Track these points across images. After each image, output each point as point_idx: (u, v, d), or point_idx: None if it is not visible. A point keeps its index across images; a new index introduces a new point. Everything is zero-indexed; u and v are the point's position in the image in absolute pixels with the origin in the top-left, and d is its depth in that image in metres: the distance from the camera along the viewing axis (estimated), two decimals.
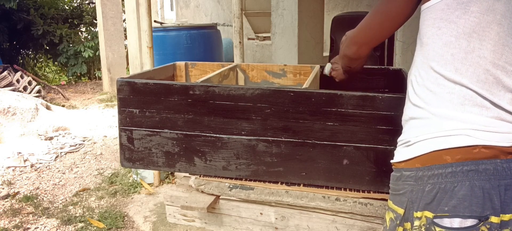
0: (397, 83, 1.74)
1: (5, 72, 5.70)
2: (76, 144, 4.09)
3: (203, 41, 4.00)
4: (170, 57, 3.35)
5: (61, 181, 3.34)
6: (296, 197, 1.42)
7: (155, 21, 4.25)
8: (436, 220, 0.89)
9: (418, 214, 0.91)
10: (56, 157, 3.80)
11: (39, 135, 4.25)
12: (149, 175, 3.16)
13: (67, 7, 8.69)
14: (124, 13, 6.66)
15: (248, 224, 1.52)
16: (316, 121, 1.34)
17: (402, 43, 2.86)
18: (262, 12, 5.64)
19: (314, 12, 3.58)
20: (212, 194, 1.53)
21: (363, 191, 1.40)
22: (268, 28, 5.01)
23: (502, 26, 0.88)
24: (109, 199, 3.00)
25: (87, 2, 9.11)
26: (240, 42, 2.95)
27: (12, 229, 2.60)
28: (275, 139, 1.39)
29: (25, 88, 5.83)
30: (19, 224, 2.66)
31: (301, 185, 1.45)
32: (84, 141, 4.22)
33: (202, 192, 1.54)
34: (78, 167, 3.62)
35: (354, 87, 1.47)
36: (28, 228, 2.62)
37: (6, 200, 3.00)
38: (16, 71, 6.00)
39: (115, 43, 6.72)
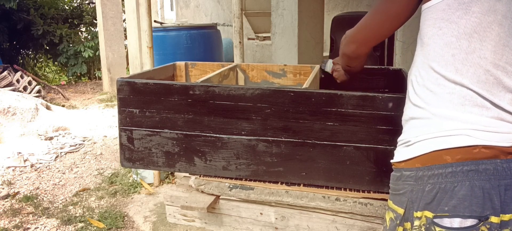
0: (397, 83, 1.74)
1: (5, 72, 5.70)
2: (76, 144, 4.09)
3: (203, 41, 4.00)
4: (170, 57, 3.35)
5: (61, 181, 3.34)
6: (296, 197, 1.42)
7: (155, 21, 4.25)
8: (436, 220, 0.89)
9: (418, 214, 0.91)
10: (56, 157, 3.80)
11: (39, 135, 4.25)
12: (149, 175, 3.16)
13: (67, 7, 8.69)
14: (124, 13, 6.66)
15: (248, 224, 1.52)
16: (316, 121, 1.34)
17: (402, 43, 2.86)
18: (262, 12, 5.64)
19: (314, 12, 3.58)
20: (212, 194, 1.53)
21: (363, 191, 1.40)
22: (268, 28, 5.00)
23: (503, 27, 0.88)
24: (109, 199, 3.00)
25: (87, 2, 9.11)
26: (240, 42, 2.95)
27: (12, 229, 2.60)
28: (275, 139, 1.39)
29: (25, 88, 5.83)
30: (19, 224, 2.66)
31: (301, 185, 1.45)
32: (84, 141, 4.23)
33: (202, 192, 1.54)
34: (78, 167, 3.62)
35: (354, 87, 1.47)
36: (28, 228, 2.63)
37: (6, 200, 3.00)
38: (16, 71, 6.00)
39: (115, 43, 6.72)
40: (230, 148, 1.44)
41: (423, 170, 0.91)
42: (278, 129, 1.38)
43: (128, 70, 6.85)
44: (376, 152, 1.32)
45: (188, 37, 3.90)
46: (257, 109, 1.38)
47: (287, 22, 3.50)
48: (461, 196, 0.87)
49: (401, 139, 1.00)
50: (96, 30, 7.79)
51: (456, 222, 0.87)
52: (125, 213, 2.79)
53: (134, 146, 1.53)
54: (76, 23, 8.50)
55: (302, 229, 1.45)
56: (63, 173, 3.48)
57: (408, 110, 1.00)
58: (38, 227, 2.63)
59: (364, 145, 1.32)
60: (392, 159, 1.01)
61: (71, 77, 8.13)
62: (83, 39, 8.34)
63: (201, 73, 2.07)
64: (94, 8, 7.97)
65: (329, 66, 1.55)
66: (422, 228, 0.91)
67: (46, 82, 7.35)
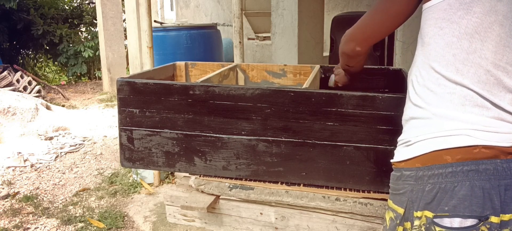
0: (397, 83, 1.74)
1: (5, 72, 5.70)
2: (76, 144, 4.09)
3: (203, 41, 4.00)
4: (170, 57, 3.35)
5: (61, 181, 3.34)
6: (296, 197, 1.42)
7: (155, 21, 4.25)
8: (436, 220, 0.89)
9: (418, 213, 0.91)
10: (56, 157, 3.80)
11: (39, 135, 4.25)
12: (149, 175, 3.16)
13: (67, 7, 8.69)
14: (124, 13, 6.66)
15: (248, 224, 1.52)
16: (316, 121, 1.34)
17: (402, 43, 2.85)
18: (262, 12, 5.64)
19: (314, 12, 3.58)
20: (212, 194, 1.53)
21: (363, 191, 1.40)
22: (268, 28, 5.01)
23: (503, 27, 0.88)
24: (109, 199, 3.00)
25: (87, 2, 9.11)
26: (240, 42, 2.95)
27: (12, 229, 2.60)
28: (275, 139, 1.39)
29: (25, 88, 5.83)
30: (19, 224, 2.66)
31: (301, 185, 1.45)
32: (84, 141, 4.22)
33: (202, 192, 1.54)
34: (78, 167, 3.62)
35: (354, 87, 1.47)
36: (28, 228, 2.62)
37: (6, 200, 3.00)
38: (16, 71, 6.00)
39: (115, 43, 6.72)
40: (230, 148, 1.44)
41: (423, 170, 0.91)
42: (278, 129, 1.38)
43: (128, 70, 6.85)
44: (376, 152, 1.32)
45: (188, 37, 3.90)
46: (257, 109, 1.38)
47: (287, 22, 3.50)
48: (461, 196, 0.87)
49: (401, 139, 1.00)
50: (96, 30, 7.79)
51: (456, 222, 0.88)
52: (125, 213, 2.79)
53: (134, 146, 1.53)
54: (76, 23, 8.50)
55: (302, 229, 1.45)
56: (63, 173, 3.48)
57: (409, 110, 1.00)
58: (38, 227, 2.63)
59: (364, 145, 1.32)
60: (392, 158, 1.01)
61: (71, 77, 8.13)
62: (83, 39, 8.34)
63: (201, 73, 2.07)
64: (94, 8, 7.97)
65: (331, 80, 1.55)
66: (422, 228, 0.91)
67: (46, 82, 7.35)
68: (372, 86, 1.82)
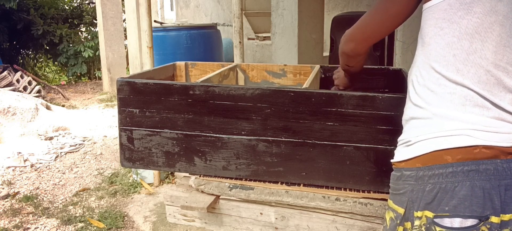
0: (397, 83, 1.74)
1: (5, 72, 5.70)
2: (76, 144, 4.09)
3: (203, 41, 4.00)
4: (170, 57, 3.35)
5: (61, 181, 3.34)
6: (296, 197, 1.42)
7: (155, 21, 4.25)
8: (436, 220, 0.89)
9: (419, 213, 0.91)
10: (56, 157, 3.80)
11: (39, 135, 4.25)
12: (149, 175, 3.16)
13: (67, 7, 8.69)
14: (124, 13, 6.66)
15: (248, 224, 1.52)
16: (316, 121, 1.34)
17: (402, 43, 2.85)
18: (262, 12, 5.64)
19: (314, 12, 3.58)
20: (212, 194, 1.53)
21: (363, 191, 1.40)
22: (268, 28, 5.00)
23: (504, 27, 0.88)
24: (109, 199, 3.00)
25: (87, 2, 9.11)
26: (240, 42, 2.95)
27: (12, 229, 2.60)
28: (275, 139, 1.39)
29: (25, 88, 5.83)
30: (19, 224, 2.66)
31: (301, 185, 1.45)
32: (84, 141, 4.23)
33: (202, 192, 1.54)
34: (78, 167, 3.62)
35: (354, 88, 1.47)
36: (28, 228, 2.62)
37: (6, 200, 3.00)
38: (16, 71, 6.00)
39: (115, 43, 6.72)
40: (230, 148, 1.44)
41: (424, 170, 0.91)
42: (278, 129, 1.38)
43: (128, 70, 6.85)
44: (376, 152, 1.32)
45: (188, 37, 3.90)
46: (257, 109, 1.38)
47: (287, 22, 3.50)
48: (461, 196, 0.87)
49: (401, 139, 1.00)
50: (96, 30, 7.79)
51: (457, 222, 0.87)
52: (125, 213, 2.79)
53: (134, 146, 1.53)
54: (76, 23, 8.50)
55: (302, 229, 1.45)
56: (63, 173, 3.48)
57: (409, 110, 1.00)
58: (38, 227, 2.63)
59: (364, 145, 1.32)
60: (392, 158, 1.01)
61: (71, 77, 8.13)
62: (83, 39, 8.34)
63: (201, 73, 2.07)
64: (94, 8, 7.97)
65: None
66: (423, 228, 0.91)
67: (46, 82, 7.35)
68: (372, 86, 1.82)
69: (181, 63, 2.08)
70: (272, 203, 1.45)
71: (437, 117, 0.91)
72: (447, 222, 0.88)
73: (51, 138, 4.22)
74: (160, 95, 1.46)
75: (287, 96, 1.34)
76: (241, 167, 1.46)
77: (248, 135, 1.41)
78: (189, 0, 7.34)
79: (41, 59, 8.77)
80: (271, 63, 3.00)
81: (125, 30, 6.80)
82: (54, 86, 6.94)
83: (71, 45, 7.79)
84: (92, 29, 8.55)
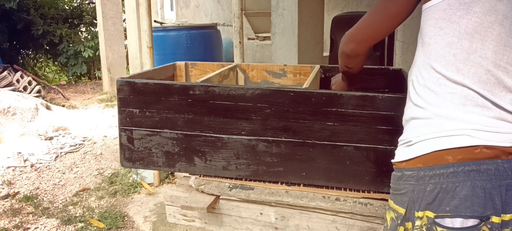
0: (397, 83, 1.74)
1: (5, 72, 5.70)
2: (76, 144, 4.09)
3: (203, 41, 4.00)
4: (170, 57, 3.35)
5: (61, 181, 3.34)
6: (296, 197, 1.42)
7: (155, 21, 4.25)
8: (437, 220, 0.89)
9: (420, 213, 0.91)
10: (56, 157, 3.80)
11: (39, 135, 4.25)
12: (149, 175, 3.16)
13: (67, 7, 8.69)
14: (124, 13, 6.66)
15: (248, 224, 1.52)
16: (316, 121, 1.34)
17: (402, 43, 2.86)
18: (262, 12, 5.64)
19: (314, 12, 3.58)
20: (212, 194, 1.53)
21: (363, 191, 1.40)
22: (268, 28, 5.00)
23: (503, 27, 0.88)
24: (109, 199, 3.00)
25: (87, 2, 9.11)
26: (240, 42, 2.95)
27: (12, 229, 2.60)
28: (275, 139, 1.39)
29: (25, 88, 5.83)
30: (19, 224, 2.66)
31: (301, 185, 1.45)
32: (84, 141, 4.22)
33: (202, 192, 1.54)
34: (78, 167, 3.62)
35: (354, 87, 1.47)
36: (28, 228, 2.62)
37: (6, 200, 3.00)
38: (16, 71, 6.00)
39: (115, 43, 6.72)
40: (230, 148, 1.44)
41: (425, 170, 0.91)
42: (278, 129, 1.38)
43: (128, 70, 6.85)
44: (376, 152, 1.32)
45: (188, 37, 3.90)
46: (257, 109, 1.38)
47: (287, 22, 3.50)
48: (462, 196, 0.87)
49: (402, 139, 1.00)
50: (96, 30, 7.79)
51: (458, 222, 0.87)
52: (125, 213, 2.79)
53: (134, 146, 1.53)
54: (76, 23, 8.49)
55: (302, 229, 1.44)
56: (63, 173, 3.48)
57: (409, 110, 1.00)
58: (38, 227, 2.63)
59: (364, 145, 1.32)
60: (393, 158, 1.01)
61: (71, 77, 8.13)
62: (83, 39, 8.34)
63: (201, 73, 2.07)
64: (94, 8, 7.97)
65: None
66: (423, 228, 0.91)
67: (46, 82, 7.35)
68: (372, 86, 1.82)
69: (181, 63, 2.08)
70: (272, 203, 1.45)
71: (438, 116, 0.91)
72: (448, 222, 0.88)
73: (51, 138, 4.22)
74: (160, 95, 1.46)
75: (287, 96, 1.34)
76: (241, 167, 1.46)
77: (248, 135, 1.41)
78: (189, 0, 7.34)
79: (41, 59, 8.77)
80: (271, 63, 3.01)
81: (125, 30, 6.80)
82: (54, 86, 6.94)
83: (71, 45, 7.79)
84: (92, 29, 8.55)
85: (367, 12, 1.10)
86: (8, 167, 3.52)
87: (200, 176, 1.57)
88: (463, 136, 0.88)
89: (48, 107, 4.94)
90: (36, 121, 4.42)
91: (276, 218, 1.46)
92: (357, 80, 1.41)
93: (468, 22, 0.88)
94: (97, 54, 7.43)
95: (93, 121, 4.92)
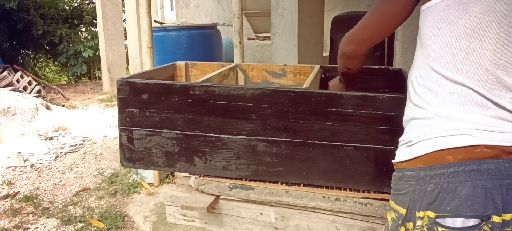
0: (397, 83, 1.74)
1: (5, 72, 5.70)
2: (76, 144, 4.09)
3: (203, 41, 4.00)
4: (170, 57, 3.34)
5: (61, 181, 3.34)
6: (296, 197, 1.42)
7: (155, 21, 4.25)
8: (438, 220, 0.89)
9: (420, 214, 0.91)
10: (56, 157, 3.80)
11: (39, 135, 4.25)
12: (149, 175, 3.15)
13: (67, 7, 8.68)
14: (124, 13, 6.66)
15: (248, 224, 1.51)
16: (316, 121, 1.34)
17: (402, 43, 2.86)
18: (262, 12, 5.64)
19: (314, 12, 3.58)
20: (212, 194, 1.53)
21: (363, 191, 1.40)
22: (268, 28, 5.00)
23: (502, 26, 0.88)
24: (109, 199, 3.00)
25: (87, 2, 9.11)
26: (240, 42, 2.95)
27: (12, 229, 2.60)
28: (275, 139, 1.39)
29: (25, 88, 5.83)
30: (19, 224, 2.66)
31: (301, 185, 1.45)
32: (84, 141, 4.22)
33: (202, 192, 1.54)
34: (78, 167, 3.62)
35: (354, 87, 1.47)
36: (28, 228, 2.62)
37: (6, 200, 3.00)
38: (16, 71, 6.00)
39: (115, 43, 6.72)
40: (230, 148, 1.44)
41: (425, 170, 0.91)
42: (278, 129, 1.38)
43: (128, 70, 6.84)
44: (376, 152, 1.32)
45: (188, 37, 3.90)
46: (257, 109, 1.38)
47: (287, 22, 3.50)
48: (463, 196, 0.87)
49: (402, 139, 1.00)
50: (96, 30, 7.79)
51: (459, 222, 0.87)
52: (125, 213, 2.79)
53: (134, 146, 1.53)
54: (76, 23, 8.49)
55: (302, 229, 1.44)
56: (63, 173, 3.48)
57: (409, 111, 1.00)
58: (38, 227, 2.63)
59: (364, 145, 1.32)
60: (393, 159, 1.01)
61: (71, 77, 8.13)
62: (83, 39, 8.34)
63: (201, 73, 2.07)
64: (94, 8, 7.96)
65: None
66: (424, 228, 0.91)
67: (46, 82, 7.34)
68: (372, 86, 1.82)
69: (181, 63, 2.08)
70: (272, 203, 1.45)
71: (438, 116, 0.91)
72: (449, 222, 0.88)
73: (51, 138, 4.21)
74: (160, 95, 1.46)
75: (287, 96, 1.34)
76: (241, 167, 1.46)
77: (248, 135, 1.41)
78: (189, 0, 7.34)
79: (41, 59, 8.77)
80: (271, 63, 3.01)
81: (125, 30, 6.80)
82: (54, 86, 6.94)
83: (71, 45, 7.78)
84: (92, 29, 8.55)
85: (367, 13, 1.10)
86: (8, 167, 3.52)
87: (200, 176, 1.57)
88: (463, 135, 0.88)
89: (48, 108, 4.94)
90: (36, 121, 4.42)
91: (276, 218, 1.46)
92: (355, 82, 1.42)
93: (466, 22, 0.88)
94: (97, 54, 7.43)
95: (93, 121, 4.92)
